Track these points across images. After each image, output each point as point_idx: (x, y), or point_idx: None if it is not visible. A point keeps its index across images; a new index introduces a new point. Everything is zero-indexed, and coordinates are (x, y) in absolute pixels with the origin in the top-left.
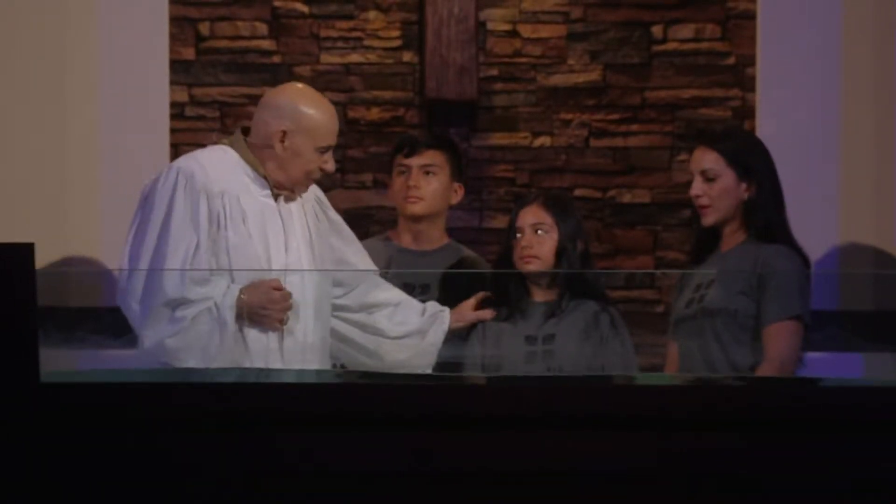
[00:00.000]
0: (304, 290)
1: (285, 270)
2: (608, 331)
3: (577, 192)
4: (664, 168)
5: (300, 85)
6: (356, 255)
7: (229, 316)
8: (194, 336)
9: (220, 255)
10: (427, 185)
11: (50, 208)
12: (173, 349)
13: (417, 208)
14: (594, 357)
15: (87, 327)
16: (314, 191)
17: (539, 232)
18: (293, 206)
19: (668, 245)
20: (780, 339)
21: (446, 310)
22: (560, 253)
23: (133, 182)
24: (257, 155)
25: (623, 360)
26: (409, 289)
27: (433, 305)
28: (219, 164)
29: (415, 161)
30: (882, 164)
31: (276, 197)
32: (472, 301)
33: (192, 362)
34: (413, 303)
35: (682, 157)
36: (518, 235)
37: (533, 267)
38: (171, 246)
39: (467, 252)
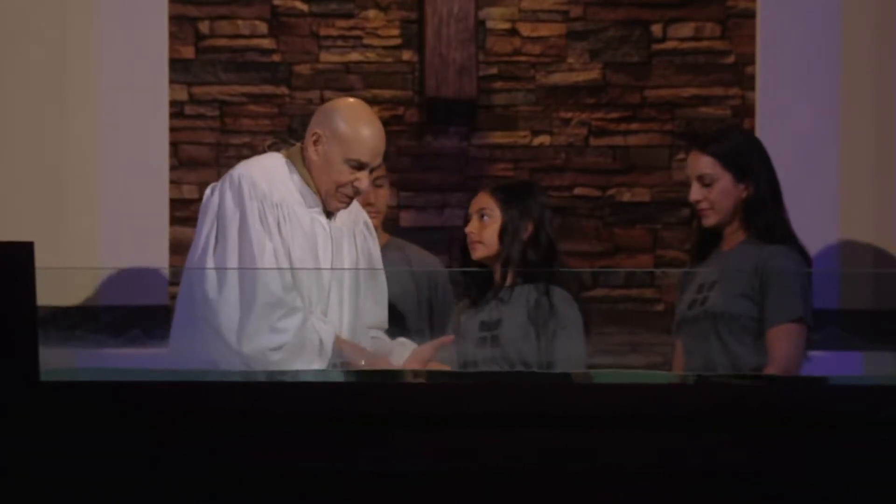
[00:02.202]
0: (342, 311)
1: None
2: (550, 320)
3: (577, 191)
4: (664, 167)
5: (353, 100)
6: (377, 301)
7: (330, 350)
8: (297, 352)
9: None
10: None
11: (50, 208)
12: (277, 362)
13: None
14: (537, 347)
15: (87, 326)
16: (362, 215)
17: (484, 217)
18: (343, 226)
19: (667, 244)
20: (783, 341)
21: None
22: (501, 235)
23: (133, 181)
24: (308, 168)
25: (566, 353)
26: None
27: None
28: (275, 172)
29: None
30: (882, 163)
31: (328, 215)
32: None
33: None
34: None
35: (682, 155)
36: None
37: (479, 253)
38: (256, 251)
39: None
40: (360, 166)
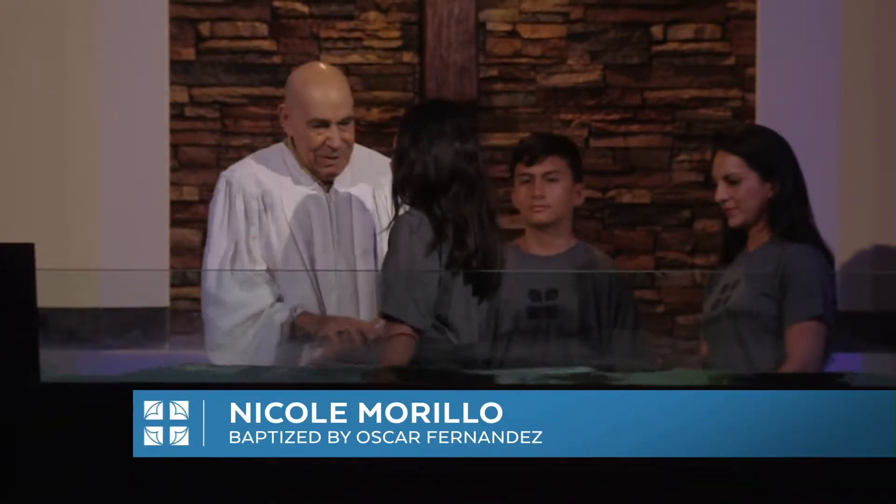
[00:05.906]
0: (355, 289)
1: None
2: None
3: None
4: (664, 168)
5: (314, 62)
6: None
7: (285, 329)
8: (250, 346)
9: (259, 258)
10: (551, 191)
11: (50, 208)
12: (218, 361)
13: (544, 216)
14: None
15: (87, 327)
16: (383, 177)
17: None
18: (355, 193)
19: (667, 245)
20: (802, 339)
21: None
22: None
23: (133, 182)
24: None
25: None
26: (535, 295)
27: None
28: (268, 163)
29: (537, 169)
30: (882, 164)
31: (328, 188)
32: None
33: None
34: None
35: (682, 157)
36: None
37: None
38: (212, 254)
39: (596, 252)
40: (323, 124)
